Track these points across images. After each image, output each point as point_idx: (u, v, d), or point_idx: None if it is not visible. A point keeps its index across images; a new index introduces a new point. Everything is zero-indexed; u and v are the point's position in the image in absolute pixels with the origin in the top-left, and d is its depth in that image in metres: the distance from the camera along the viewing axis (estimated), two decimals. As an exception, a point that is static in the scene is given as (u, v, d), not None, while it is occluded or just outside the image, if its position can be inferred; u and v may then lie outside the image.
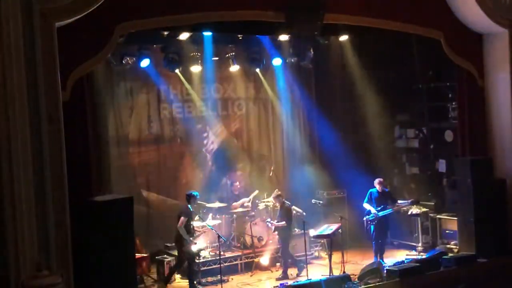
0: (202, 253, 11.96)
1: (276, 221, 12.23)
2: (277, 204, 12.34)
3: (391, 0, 11.49)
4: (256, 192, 13.39)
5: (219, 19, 10.47)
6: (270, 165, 14.83)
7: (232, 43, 13.38)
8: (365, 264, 11.85)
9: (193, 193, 11.59)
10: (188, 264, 11.39)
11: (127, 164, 13.27)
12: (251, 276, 12.20)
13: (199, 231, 11.83)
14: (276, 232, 12.31)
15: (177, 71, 13.16)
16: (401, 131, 15.37)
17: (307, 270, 11.57)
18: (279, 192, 12.33)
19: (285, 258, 12.09)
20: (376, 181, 12.53)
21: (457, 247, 12.67)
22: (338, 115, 14.98)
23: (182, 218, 11.20)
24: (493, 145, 12.50)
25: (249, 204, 13.29)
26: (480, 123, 12.58)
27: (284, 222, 12.02)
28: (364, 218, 12.44)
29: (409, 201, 13.06)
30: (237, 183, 13.76)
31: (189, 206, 11.41)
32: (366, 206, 12.46)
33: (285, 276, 11.88)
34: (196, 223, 12.10)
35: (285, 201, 12.27)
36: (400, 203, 12.84)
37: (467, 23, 12.25)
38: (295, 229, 12.74)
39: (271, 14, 10.60)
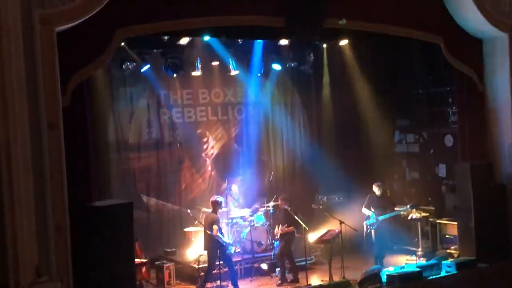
0: (201, 258, 11.92)
1: (283, 226, 12.03)
2: (283, 207, 12.07)
3: (390, 5, 11.50)
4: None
5: (219, 24, 10.47)
6: (270, 170, 14.82)
7: (232, 47, 13.37)
8: (365, 269, 11.83)
9: (218, 199, 11.68)
10: (229, 267, 11.40)
11: (127, 169, 13.26)
12: (250, 281, 12.17)
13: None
14: (281, 238, 12.09)
15: (176, 75, 13.16)
16: (401, 136, 15.39)
17: (307, 275, 11.54)
18: (287, 196, 12.21)
19: (293, 263, 11.99)
20: (375, 185, 12.52)
21: (457, 252, 12.65)
22: (338, 119, 14.97)
23: (215, 226, 11.21)
24: (493, 150, 12.47)
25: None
26: (480, 128, 12.56)
27: (292, 227, 11.94)
28: (364, 223, 12.43)
29: (408, 205, 13.06)
30: (237, 188, 13.73)
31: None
32: (365, 211, 12.44)
33: (295, 279, 11.80)
34: (194, 228, 12.14)
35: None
36: (399, 208, 12.83)
37: (467, 28, 12.25)
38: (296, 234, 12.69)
39: (271, 19, 10.59)
